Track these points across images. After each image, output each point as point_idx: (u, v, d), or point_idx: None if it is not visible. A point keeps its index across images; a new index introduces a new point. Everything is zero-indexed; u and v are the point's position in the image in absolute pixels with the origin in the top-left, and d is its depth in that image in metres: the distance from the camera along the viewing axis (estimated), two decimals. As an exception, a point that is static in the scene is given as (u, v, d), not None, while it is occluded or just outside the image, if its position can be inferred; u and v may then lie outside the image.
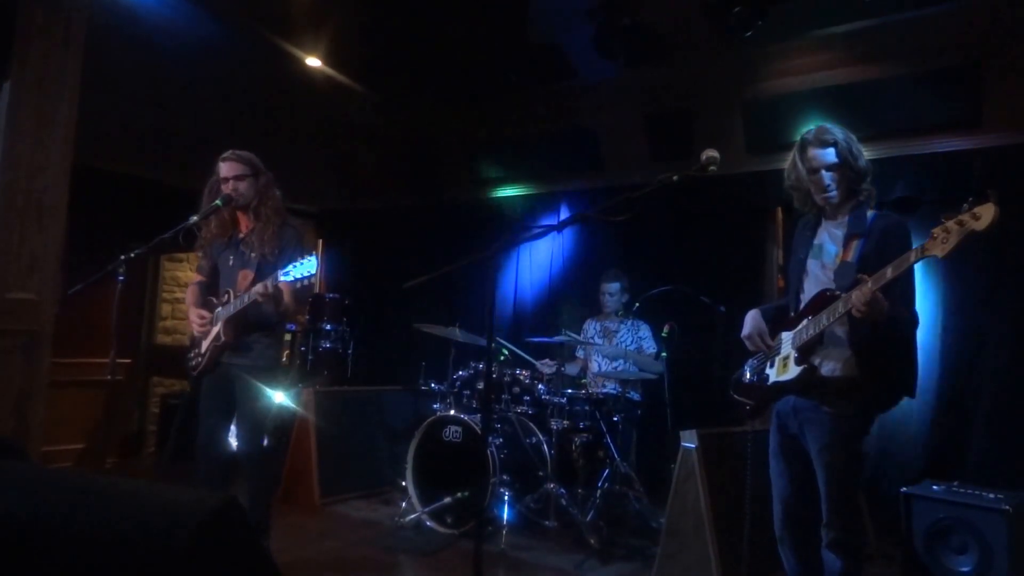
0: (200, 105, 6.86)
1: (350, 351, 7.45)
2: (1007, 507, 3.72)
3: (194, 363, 4.22)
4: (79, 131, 4.58)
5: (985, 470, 4.54)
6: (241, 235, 4.17)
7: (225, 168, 4.07)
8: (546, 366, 5.80)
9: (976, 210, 2.44)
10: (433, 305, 7.67)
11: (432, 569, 4.69)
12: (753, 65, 5.67)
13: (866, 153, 3.16)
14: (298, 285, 3.72)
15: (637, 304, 5.71)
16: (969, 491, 3.96)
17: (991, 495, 3.86)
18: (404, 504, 5.47)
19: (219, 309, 4.09)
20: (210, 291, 4.31)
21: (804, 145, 3.13)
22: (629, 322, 5.94)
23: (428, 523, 5.24)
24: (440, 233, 8.13)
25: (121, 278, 3.74)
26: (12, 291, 4.30)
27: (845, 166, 3.05)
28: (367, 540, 5.07)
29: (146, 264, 7.97)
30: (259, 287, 3.79)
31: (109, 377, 4.75)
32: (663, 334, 5.60)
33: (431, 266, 7.70)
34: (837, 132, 3.08)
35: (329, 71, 6.31)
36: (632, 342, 5.88)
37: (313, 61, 6.18)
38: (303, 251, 3.87)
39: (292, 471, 5.89)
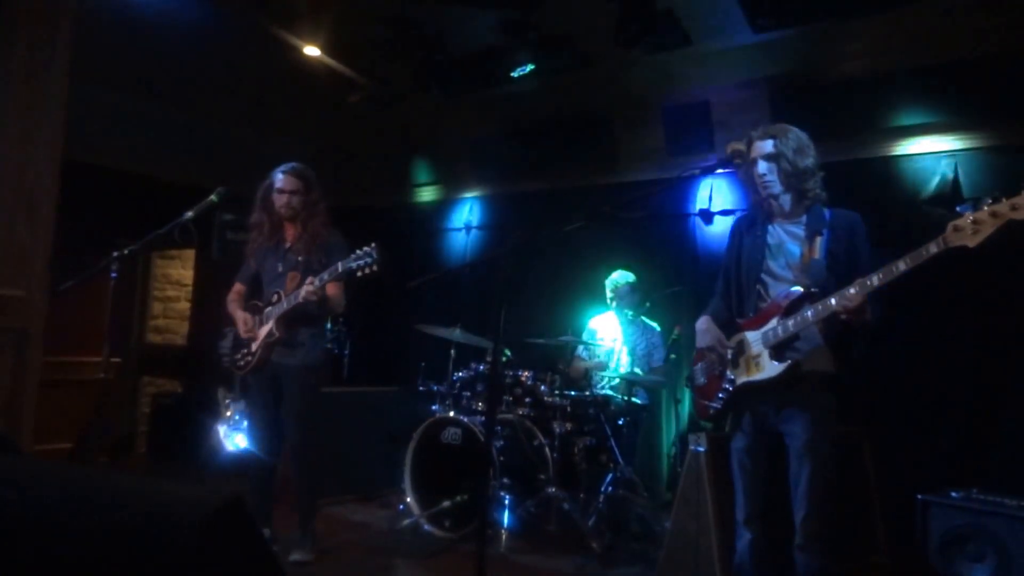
0: (194, 98, 6.75)
1: (346, 351, 7.35)
2: (1027, 514, 3.66)
3: (243, 362, 4.49)
4: (69, 125, 4.49)
5: (1006, 477, 4.45)
6: (287, 244, 4.49)
7: (282, 181, 4.41)
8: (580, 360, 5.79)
9: (1016, 200, 2.44)
10: (432, 304, 7.57)
11: (430, 573, 4.61)
12: (779, 52, 5.55)
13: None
14: (355, 275, 3.97)
15: (648, 304, 5.62)
16: (988, 498, 3.91)
17: (1011, 502, 3.80)
18: (402, 507, 5.39)
19: (269, 308, 4.40)
20: (249, 296, 4.67)
21: (751, 140, 3.21)
22: (641, 324, 5.83)
23: (426, 527, 5.16)
24: (439, 230, 8.05)
25: (114, 275, 3.68)
26: (1, 287, 4.19)
27: (781, 158, 3.10)
28: (364, 543, 5.01)
29: (136, 261, 7.84)
30: (308, 287, 4.06)
31: (102, 375, 4.63)
32: (673, 336, 5.52)
33: (430, 264, 7.63)
34: (784, 129, 3.16)
35: (328, 61, 6.19)
36: (644, 345, 5.78)
37: (312, 50, 6.06)
38: (346, 253, 4.13)
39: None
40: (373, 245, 3.93)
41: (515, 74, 5.80)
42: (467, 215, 7.88)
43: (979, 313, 4.90)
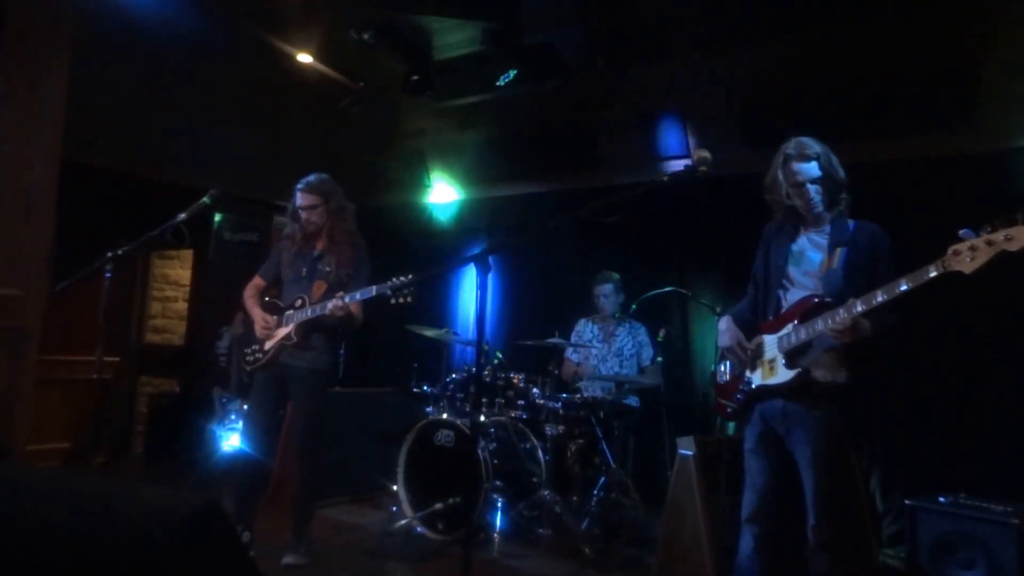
0: (190, 101, 6.77)
1: (340, 351, 7.35)
2: (1016, 521, 3.66)
3: (252, 359, 4.52)
4: (67, 126, 4.51)
5: (995, 482, 4.46)
6: (317, 251, 4.57)
7: (298, 199, 4.50)
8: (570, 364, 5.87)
9: (1010, 231, 2.46)
10: (426, 306, 7.59)
11: (422, 576, 4.62)
12: (747, 61, 5.59)
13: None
14: (388, 301, 3.91)
15: (634, 306, 5.63)
16: (977, 504, 3.89)
17: (1000, 508, 3.79)
18: (394, 509, 5.38)
19: (290, 312, 4.46)
20: (266, 294, 4.74)
21: (787, 160, 3.23)
22: (627, 324, 5.85)
23: (419, 529, 5.15)
24: (430, 232, 8.08)
25: (108, 275, 3.70)
26: (-1, 286, 4.22)
27: (828, 179, 3.17)
28: (357, 546, 4.99)
29: (135, 261, 7.87)
30: (337, 303, 4.16)
31: (96, 376, 4.66)
32: (659, 338, 5.53)
33: (422, 266, 7.62)
34: (816, 146, 3.19)
35: (320, 67, 6.23)
36: (632, 345, 5.79)
37: (304, 57, 6.10)
38: (368, 271, 4.50)
39: (279, 474, 5.79)
40: (411, 276, 3.90)
41: (500, 82, 5.85)
42: (456, 218, 7.93)
43: (967, 321, 4.90)
